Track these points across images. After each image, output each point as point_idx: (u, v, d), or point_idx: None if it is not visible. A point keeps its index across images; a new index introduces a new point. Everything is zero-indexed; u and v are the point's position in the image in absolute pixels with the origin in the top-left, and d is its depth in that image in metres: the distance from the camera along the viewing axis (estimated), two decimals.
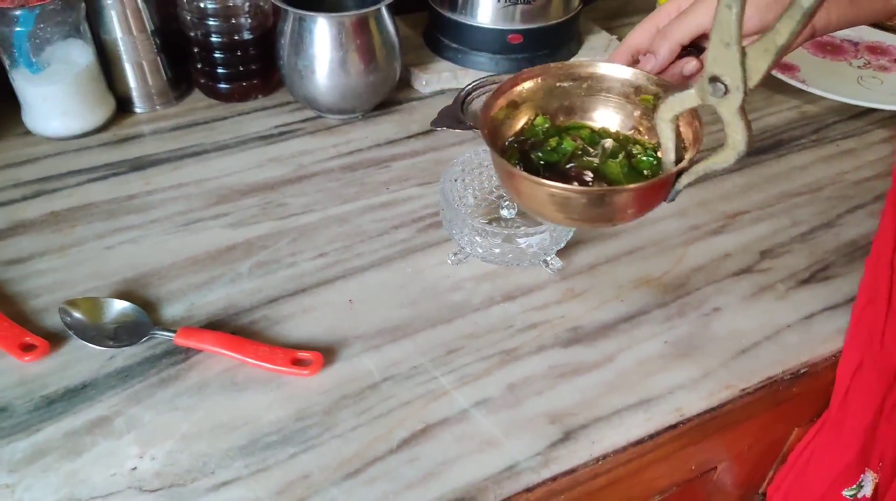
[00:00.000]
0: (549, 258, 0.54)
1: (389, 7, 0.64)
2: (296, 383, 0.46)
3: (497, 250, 0.51)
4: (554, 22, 0.70)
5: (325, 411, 0.44)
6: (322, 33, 0.62)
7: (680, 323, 0.50)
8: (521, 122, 0.48)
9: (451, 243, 0.55)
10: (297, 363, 0.47)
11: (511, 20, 0.69)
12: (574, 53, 0.74)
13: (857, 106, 0.71)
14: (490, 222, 0.56)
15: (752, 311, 0.51)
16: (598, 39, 0.77)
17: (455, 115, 0.64)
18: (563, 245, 0.53)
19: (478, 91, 0.66)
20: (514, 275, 0.53)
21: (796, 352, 0.48)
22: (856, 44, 0.82)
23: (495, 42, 0.70)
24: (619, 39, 0.78)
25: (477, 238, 0.51)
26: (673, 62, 0.48)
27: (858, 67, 0.78)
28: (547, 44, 0.71)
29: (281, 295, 0.51)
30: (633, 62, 0.50)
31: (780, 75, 0.73)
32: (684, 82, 0.48)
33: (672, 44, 0.47)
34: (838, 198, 0.61)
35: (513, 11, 0.69)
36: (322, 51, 0.63)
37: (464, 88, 0.65)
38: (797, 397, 0.50)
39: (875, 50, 0.81)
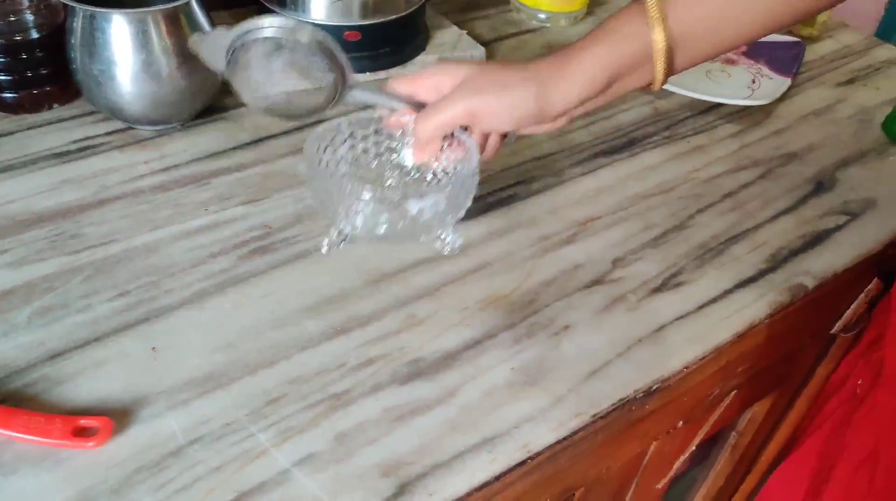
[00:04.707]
0: (443, 235, 0.46)
1: (202, 1, 0.57)
2: (79, 457, 0.38)
3: (384, 225, 0.43)
4: (395, 17, 0.65)
5: (113, 489, 0.37)
6: (119, 32, 0.53)
7: (529, 345, 0.46)
8: None
9: (279, 269, 0.49)
10: (80, 432, 0.39)
11: (347, 16, 0.63)
12: (421, 49, 0.69)
13: (706, 101, 0.71)
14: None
15: (603, 326, 0.48)
16: (448, 34, 0.73)
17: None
18: (461, 215, 0.46)
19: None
20: (350, 304, 0.47)
21: (648, 368, 0.46)
22: None
23: None
24: (470, 34, 0.75)
25: (358, 211, 0.43)
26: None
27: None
28: (389, 41, 0.66)
29: (67, 348, 0.43)
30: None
31: None
32: None
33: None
34: (690, 197, 0.60)
35: (349, 7, 0.63)
36: (121, 53, 0.54)
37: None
38: (652, 413, 0.48)
39: None
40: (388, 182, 0.51)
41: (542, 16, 0.81)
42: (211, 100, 0.61)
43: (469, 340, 0.46)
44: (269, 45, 0.45)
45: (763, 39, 0.79)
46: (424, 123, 0.46)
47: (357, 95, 0.47)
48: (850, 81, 0.78)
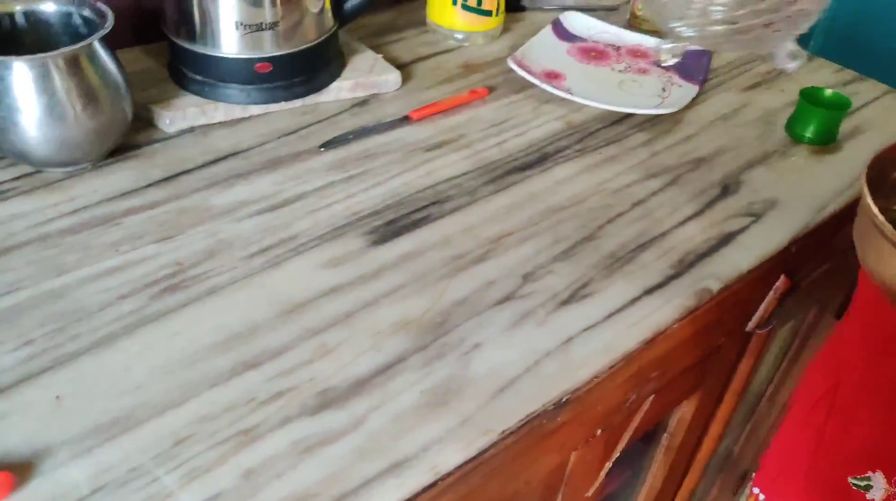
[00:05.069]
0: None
1: (106, 41, 0.57)
2: None
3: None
4: (306, 46, 0.65)
5: None
6: (20, 78, 0.53)
7: (439, 367, 0.47)
8: None
9: (190, 306, 0.48)
10: None
11: (258, 48, 0.63)
12: (336, 76, 0.70)
13: (618, 112, 0.74)
14: None
15: (512, 342, 0.49)
16: (363, 59, 0.74)
17: None
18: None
19: None
20: (261, 337, 0.47)
21: (555, 381, 0.47)
22: (618, 48, 0.85)
23: (243, 72, 0.64)
24: (387, 58, 0.76)
25: None
26: None
27: (620, 71, 0.81)
28: (302, 70, 0.66)
29: None
30: None
31: (545, 85, 0.74)
32: None
33: None
34: (600, 208, 0.61)
35: (259, 38, 0.63)
36: (23, 99, 0.53)
37: None
38: (565, 425, 0.49)
39: (635, 53, 0.84)
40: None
41: (460, 35, 0.82)
42: (122, 138, 0.61)
43: (380, 365, 0.47)
44: None
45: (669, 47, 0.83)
46: None
47: None
48: (755, 86, 0.81)
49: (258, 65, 0.63)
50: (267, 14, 0.62)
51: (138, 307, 0.49)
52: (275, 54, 0.64)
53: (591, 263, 0.56)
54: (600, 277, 0.55)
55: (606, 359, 0.49)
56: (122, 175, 0.60)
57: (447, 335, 0.49)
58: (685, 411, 0.71)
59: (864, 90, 0.83)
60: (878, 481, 0.58)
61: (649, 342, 0.52)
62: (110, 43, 0.58)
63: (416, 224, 0.58)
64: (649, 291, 0.54)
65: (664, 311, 0.52)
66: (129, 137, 0.62)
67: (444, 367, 0.47)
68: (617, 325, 0.51)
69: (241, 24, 0.61)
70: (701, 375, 0.65)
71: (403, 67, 0.78)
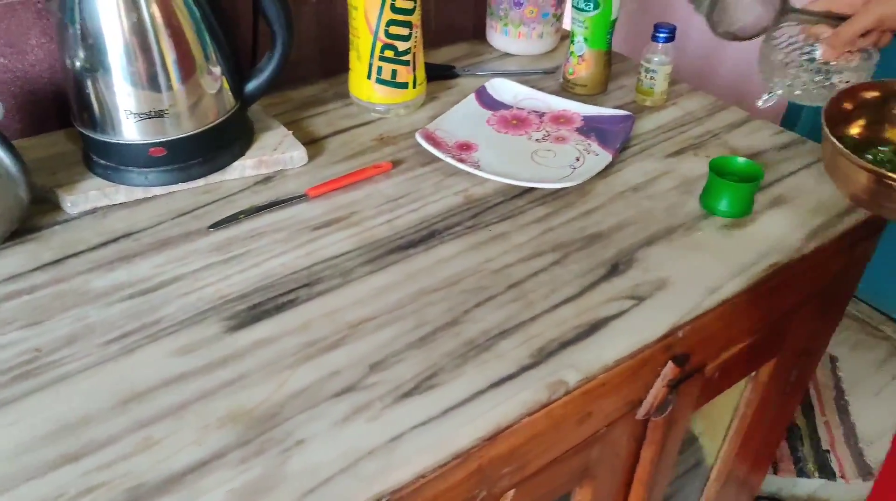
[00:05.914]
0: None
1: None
2: None
3: (801, 89, 0.72)
4: (202, 129, 0.67)
5: None
6: None
7: (255, 464, 0.46)
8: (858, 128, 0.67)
9: (36, 394, 0.49)
10: None
11: (151, 133, 0.66)
12: (240, 155, 0.71)
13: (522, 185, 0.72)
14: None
15: (338, 438, 0.48)
16: (272, 136, 0.75)
17: None
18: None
19: None
20: (91, 428, 0.48)
21: (370, 483, 0.46)
22: (542, 115, 0.84)
23: (139, 157, 0.66)
24: (305, 131, 0.77)
25: (792, 76, 0.72)
26: None
27: (537, 140, 0.79)
28: (199, 151, 0.68)
29: None
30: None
31: (449, 159, 0.73)
32: None
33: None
34: (473, 290, 0.60)
35: (151, 124, 0.66)
36: None
37: None
38: None
39: (559, 119, 0.83)
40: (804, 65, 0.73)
41: (381, 108, 0.83)
42: (17, 223, 0.64)
43: (197, 461, 0.47)
44: None
45: (596, 114, 0.82)
46: (847, 28, 0.67)
47: (791, 17, 0.71)
48: (681, 151, 0.79)
49: (152, 149, 0.66)
50: (157, 102, 0.64)
51: None
52: (168, 139, 0.66)
53: (445, 351, 0.55)
54: (451, 366, 0.53)
55: (432, 458, 0.48)
56: (12, 260, 0.63)
57: (274, 430, 0.49)
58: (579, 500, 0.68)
59: (800, 154, 0.79)
60: None
61: (491, 438, 0.50)
62: (34, 129, 0.61)
63: (280, 308, 0.58)
64: (497, 383, 0.52)
65: (508, 406, 0.51)
66: (32, 219, 0.66)
67: (261, 464, 0.46)
68: (452, 421, 0.49)
69: (131, 112, 0.64)
70: (585, 465, 0.62)
71: (318, 142, 0.79)
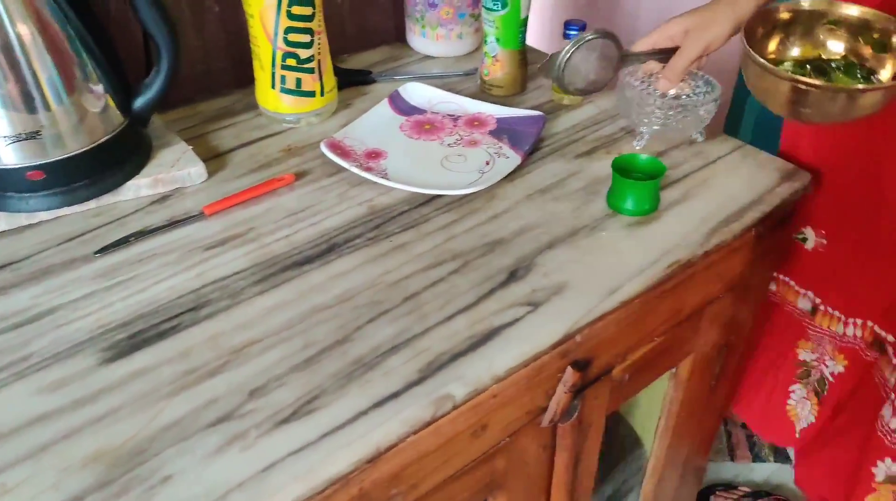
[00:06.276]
0: (694, 135, 0.78)
1: None
2: None
3: (661, 123, 0.76)
4: (83, 149, 0.64)
5: None
6: None
7: None
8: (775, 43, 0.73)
9: None
10: None
11: (29, 156, 0.63)
12: (134, 174, 0.69)
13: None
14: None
15: (208, 472, 0.46)
16: (171, 153, 0.72)
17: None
18: (706, 122, 0.78)
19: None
20: None
21: None
22: (456, 118, 0.82)
23: (17, 181, 0.63)
24: (210, 145, 0.75)
25: (651, 116, 0.76)
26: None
27: (449, 145, 0.77)
28: (83, 173, 0.65)
29: None
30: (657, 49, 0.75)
31: (354, 168, 0.71)
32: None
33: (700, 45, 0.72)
34: (367, 305, 0.58)
35: (25, 147, 0.62)
36: None
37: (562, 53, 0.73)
38: None
39: (473, 122, 0.81)
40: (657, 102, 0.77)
41: (289, 118, 0.81)
42: None
43: None
44: (583, 49, 0.72)
45: (509, 115, 0.80)
46: (679, 61, 0.73)
47: (628, 61, 0.75)
48: (592, 151, 0.77)
49: (28, 173, 0.63)
50: (30, 123, 0.61)
51: None
52: (47, 161, 0.63)
53: (331, 372, 0.53)
54: (334, 388, 0.51)
55: (306, 486, 0.45)
56: None
57: (141, 467, 0.46)
58: None
59: (711, 149, 0.78)
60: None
61: (372, 461, 0.48)
62: None
63: (162, 335, 0.56)
64: (380, 403, 0.50)
65: (390, 425, 0.49)
66: None
67: None
68: (330, 445, 0.47)
69: (2, 135, 0.61)
70: (492, 477, 0.60)
71: (223, 155, 0.77)
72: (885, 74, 0.68)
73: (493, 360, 0.54)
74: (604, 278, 0.61)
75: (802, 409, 1.03)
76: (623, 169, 0.68)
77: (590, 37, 0.72)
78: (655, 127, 0.76)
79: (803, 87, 0.63)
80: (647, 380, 0.73)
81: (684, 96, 0.79)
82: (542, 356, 0.56)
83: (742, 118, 1.22)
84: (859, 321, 0.90)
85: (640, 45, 0.76)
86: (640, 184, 0.66)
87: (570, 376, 0.58)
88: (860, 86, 0.66)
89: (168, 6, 0.66)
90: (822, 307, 0.93)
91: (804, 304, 0.94)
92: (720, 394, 0.89)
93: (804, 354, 1.00)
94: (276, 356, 0.54)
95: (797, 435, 1.05)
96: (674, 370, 0.78)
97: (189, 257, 0.63)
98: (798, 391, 1.02)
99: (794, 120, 0.74)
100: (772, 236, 0.74)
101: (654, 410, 0.91)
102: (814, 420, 1.02)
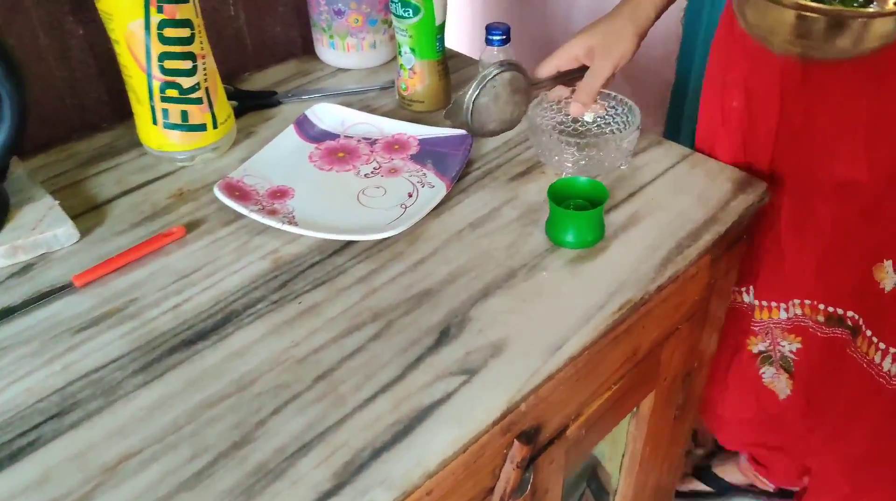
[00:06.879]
0: (620, 164, 0.69)
1: None
2: None
3: (581, 163, 0.66)
4: None
5: None
6: None
7: None
8: None
9: None
10: None
11: None
12: None
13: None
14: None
15: None
16: (34, 211, 0.61)
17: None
18: (629, 156, 0.70)
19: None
20: None
21: None
22: (373, 143, 0.73)
23: None
24: (90, 193, 0.64)
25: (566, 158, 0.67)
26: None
27: (366, 175, 0.68)
28: None
29: None
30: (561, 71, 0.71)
31: (254, 215, 0.60)
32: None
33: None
34: (271, 391, 0.49)
35: None
36: None
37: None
38: None
39: (393, 146, 0.72)
40: (570, 129, 0.73)
41: (181, 155, 0.70)
42: None
43: None
44: (489, 88, 0.66)
45: (432, 135, 0.72)
46: (591, 82, 0.69)
47: (537, 88, 0.70)
48: (527, 171, 0.69)
49: None
50: None
51: None
52: None
53: (226, 487, 0.43)
54: None
55: None
56: None
57: None
58: None
59: (657, 158, 0.71)
60: None
61: None
62: None
63: (15, 457, 0.45)
64: None
65: None
66: None
67: None
68: None
69: None
70: None
71: (101, 207, 0.66)
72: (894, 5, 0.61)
73: (423, 451, 0.45)
74: (547, 330, 0.53)
75: (778, 382, 1.00)
76: (561, 196, 0.60)
77: (494, 72, 0.65)
78: (579, 166, 0.67)
79: (812, 15, 0.57)
80: (608, 428, 0.66)
81: (599, 120, 0.72)
82: (482, 436, 0.47)
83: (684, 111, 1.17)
84: (797, 301, 0.86)
85: (544, 70, 0.71)
86: (581, 214, 0.58)
87: (517, 451, 0.50)
88: (872, 9, 0.60)
89: (11, 32, 0.55)
90: (756, 303, 0.89)
91: (748, 298, 0.90)
92: (686, 419, 0.83)
93: (756, 347, 0.96)
94: (157, 471, 0.44)
95: (781, 399, 1.01)
96: (635, 409, 0.71)
97: (53, 345, 0.52)
98: (767, 371, 0.98)
99: (797, 57, 0.68)
100: (729, 255, 0.68)
101: (618, 437, 0.85)
102: (790, 393, 0.99)
